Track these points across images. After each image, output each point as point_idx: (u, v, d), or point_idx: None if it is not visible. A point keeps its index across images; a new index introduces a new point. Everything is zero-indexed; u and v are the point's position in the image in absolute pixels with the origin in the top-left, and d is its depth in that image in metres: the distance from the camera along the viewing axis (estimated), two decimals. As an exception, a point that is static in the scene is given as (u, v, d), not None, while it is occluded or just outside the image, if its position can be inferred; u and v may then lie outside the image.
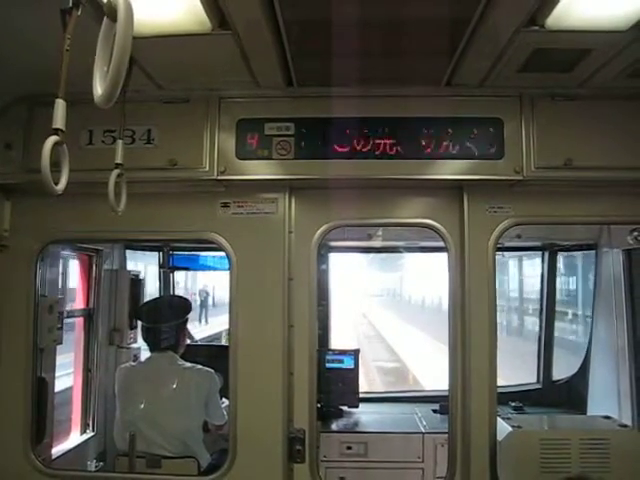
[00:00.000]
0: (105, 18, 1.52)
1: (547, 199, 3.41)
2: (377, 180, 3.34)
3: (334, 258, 6.24)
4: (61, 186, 1.76)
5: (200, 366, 4.08)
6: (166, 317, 4.13)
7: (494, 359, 3.35)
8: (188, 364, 4.12)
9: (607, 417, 4.05)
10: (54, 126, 1.68)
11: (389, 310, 47.79)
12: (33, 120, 3.28)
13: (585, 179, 3.26)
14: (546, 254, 5.95)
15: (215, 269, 6.29)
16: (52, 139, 1.66)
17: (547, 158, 3.23)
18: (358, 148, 3.27)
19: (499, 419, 3.51)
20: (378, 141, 3.28)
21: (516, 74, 3.05)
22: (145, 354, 4.74)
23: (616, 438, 3.63)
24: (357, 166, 3.28)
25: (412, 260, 32.17)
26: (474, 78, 3.16)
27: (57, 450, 4.36)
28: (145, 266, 6.12)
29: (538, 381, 5.97)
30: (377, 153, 3.27)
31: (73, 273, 4.89)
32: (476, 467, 3.31)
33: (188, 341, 5.98)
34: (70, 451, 4.52)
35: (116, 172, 2.69)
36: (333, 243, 5.80)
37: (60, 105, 1.70)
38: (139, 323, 4.64)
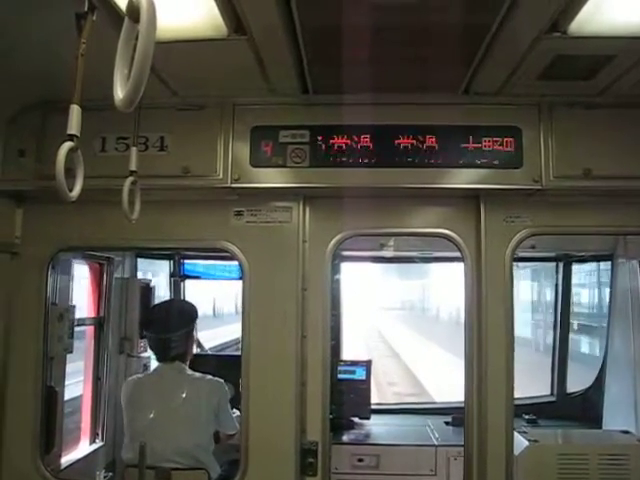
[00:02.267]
0: (126, 19, 1.48)
1: (565, 209, 3.35)
2: (392, 189, 3.30)
3: (345, 267, 6.19)
4: (75, 193, 1.75)
5: (210, 376, 4.02)
6: (172, 326, 4.01)
7: (511, 371, 3.28)
8: (197, 374, 4.05)
9: (626, 432, 4.00)
10: (69, 132, 1.66)
11: (410, 327, 39.62)
12: (46, 127, 3.26)
13: (604, 189, 3.20)
14: (560, 265, 5.89)
15: (226, 278, 6.25)
16: (67, 145, 1.64)
17: (566, 167, 3.18)
18: (373, 156, 3.23)
19: (515, 433, 3.45)
20: (393, 150, 3.23)
21: (535, 82, 3.00)
22: (155, 363, 4.69)
23: (636, 453, 3.57)
24: (372, 175, 3.24)
25: (437, 269, 24.60)
26: (492, 86, 3.11)
27: (66, 460, 4.31)
28: (144, 273, 6.02)
29: (552, 394, 5.91)
30: (393, 162, 3.23)
31: (84, 281, 4.87)
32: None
33: (198, 350, 5.97)
34: (79, 461, 4.47)
35: (130, 179, 2.68)
36: (345, 252, 5.76)
37: (75, 111, 1.68)
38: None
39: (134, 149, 2.78)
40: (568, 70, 2.86)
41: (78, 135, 1.68)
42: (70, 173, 1.73)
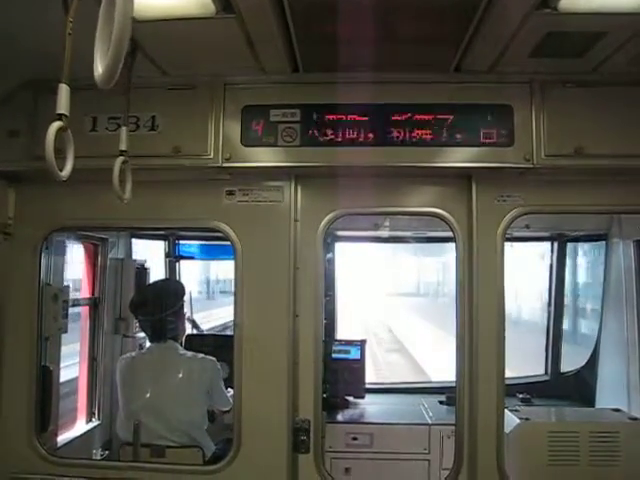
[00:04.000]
0: None
1: (557, 188, 3.34)
2: (384, 168, 3.29)
3: (347, 247, 6.16)
4: (66, 172, 1.77)
5: (202, 355, 4.06)
6: (160, 307, 4.06)
7: (502, 350, 3.30)
8: (189, 353, 4.09)
9: (617, 410, 4.02)
10: (58, 111, 1.68)
11: (435, 323, 25.02)
12: (38, 107, 3.24)
13: (596, 167, 3.19)
14: (555, 245, 5.87)
15: (220, 258, 6.26)
16: (56, 124, 1.66)
17: (558, 146, 3.16)
18: (364, 135, 3.22)
19: (507, 411, 3.48)
20: (385, 128, 3.21)
21: (527, 59, 2.98)
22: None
23: (626, 431, 3.60)
24: (363, 154, 3.23)
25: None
26: (483, 64, 3.09)
27: (63, 438, 4.36)
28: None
29: (546, 373, 5.93)
30: (384, 140, 3.21)
31: (79, 262, 4.88)
32: (483, 459, 3.27)
33: (194, 331, 6.00)
34: (76, 439, 4.52)
35: (121, 159, 2.68)
36: (340, 232, 5.76)
37: (64, 90, 1.70)
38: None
39: (124, 128, 2.77)
40: (560, 47, 2.84)
41: (67, 114, 1.70)
42: (62, 153, 1.76)
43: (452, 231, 3.41)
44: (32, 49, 2.82)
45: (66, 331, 4.16)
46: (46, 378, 3.69)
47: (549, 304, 5.94)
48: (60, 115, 1.68)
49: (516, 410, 3.85)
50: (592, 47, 2.84)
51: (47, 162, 1.62)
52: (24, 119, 3.27)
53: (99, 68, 1.48)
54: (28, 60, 2.98)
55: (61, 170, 1.73)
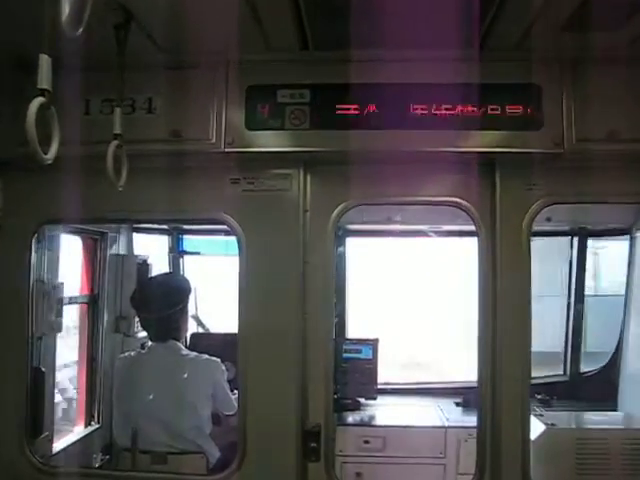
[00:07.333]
0: None
1: (588, 175, 3.09)
2: (400, 153, 3.08)
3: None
4: (51, 155, 1.64)
5: (206, 355, 3.89)
6: (163, 304, 3.88)
7: (528, 350, 3.08)
8: (193, 354, 3.93)
9: (648, 415, 3.83)
10: (39, 86, 1.54)
11: None
12: (23, 89, 3.03)
13: (632, 153, 2.97)
14: (575, 239, 5.65)
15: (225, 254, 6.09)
16: (37, 100, 1.54)
17: (590, 129, 2.94)
18: (379, 118, 3.00)
19: (531, 416, 3.27)
20: (401, 111, 3.00)
21: (557, 34, 2.74)
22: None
23: None
24: (377, 137, 3.02)
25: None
26: (510, 40, 2.85)
27: (59, 444, 4.15)
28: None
29: (565, 373, 5.73)
30: (400, 123, 2.99)
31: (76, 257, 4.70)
32: (508, 466, 3.05)
33: (200, 330, 5.84)
34: (73, 444, 4.32)
35: (115, 143, 2.52)
36: (351, 226, 5.58)
37: (45, 61, 1.55)
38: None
39: (118, 110, 2.59)
40: (593, 20, 2.58)
41: (50, 89, 1.56)
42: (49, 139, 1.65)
43: (473, 222, 3.19)
44: (13, 28, 2.61)
45: (60, 330, 3.99)
46: (38, 380, 3.51)
47: (568, 303, 5.73)
48: (42, 91, 1.54)
49: (541, 415, 3.67)
50: (630, 19, 2.59)
51: (29, 143, 1.50)
52: (7, 102, 3.04)
53: (65, 9, 1.31)
54: (11, 39, 2.77)
55: (46, 153, 1.60)
